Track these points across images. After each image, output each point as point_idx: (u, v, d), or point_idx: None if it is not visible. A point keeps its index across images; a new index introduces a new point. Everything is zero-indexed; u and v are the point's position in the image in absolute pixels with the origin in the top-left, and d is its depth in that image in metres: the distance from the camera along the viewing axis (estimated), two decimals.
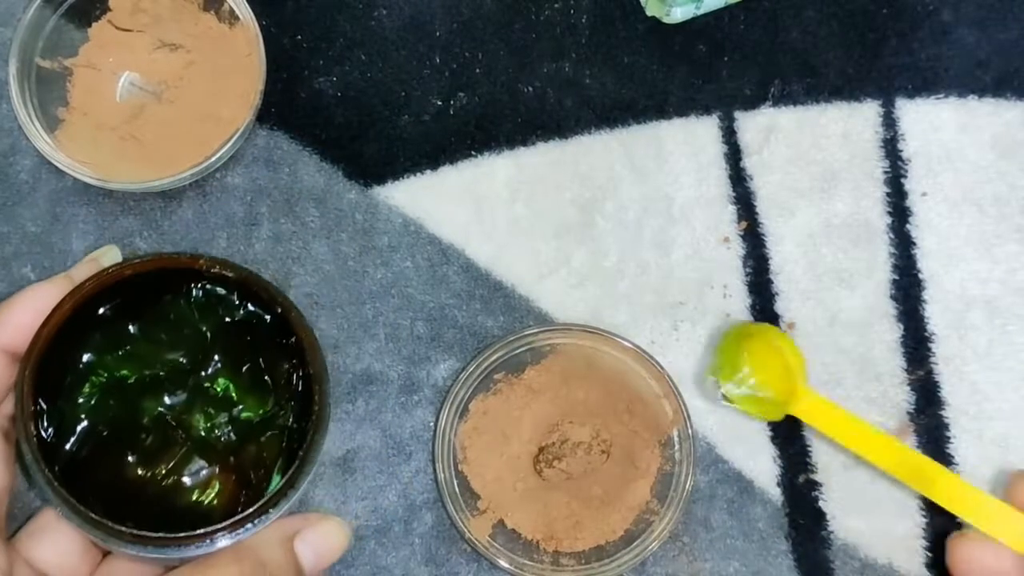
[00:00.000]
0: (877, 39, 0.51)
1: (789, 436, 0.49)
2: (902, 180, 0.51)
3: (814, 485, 0.48)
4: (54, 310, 0.40)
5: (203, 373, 0.42)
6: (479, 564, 0.47)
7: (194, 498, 0.41)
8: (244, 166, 0.49)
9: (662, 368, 0.47)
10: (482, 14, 0.51)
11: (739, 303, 0.50)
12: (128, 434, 0.41)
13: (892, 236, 0.50)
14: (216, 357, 0.42)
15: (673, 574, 0.47)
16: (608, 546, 0.46)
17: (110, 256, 0.46)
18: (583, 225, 0.50)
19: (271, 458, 0.42)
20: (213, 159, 0.47)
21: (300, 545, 0.42)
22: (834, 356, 0.49)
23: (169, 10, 0.49)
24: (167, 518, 0.40)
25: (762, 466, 0.48)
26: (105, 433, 0.41)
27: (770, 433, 0.49)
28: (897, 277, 0.50)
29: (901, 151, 0.51)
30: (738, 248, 0.50)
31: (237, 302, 0.43)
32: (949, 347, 0.49)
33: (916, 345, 0.49)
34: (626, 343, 0.47)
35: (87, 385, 0.41)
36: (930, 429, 0.49)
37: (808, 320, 0.49)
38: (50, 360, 0.40)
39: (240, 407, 0.42)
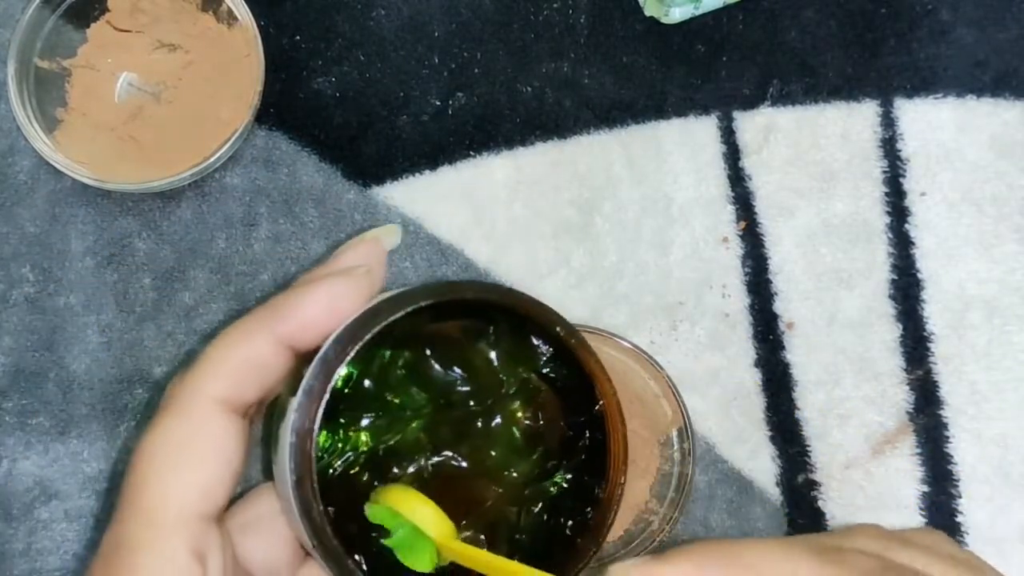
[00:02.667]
0: (876, 39, 0.51)
1: (789, 436, 0.49)
2: (901, 180, 0.51)
3: (813, 485, 0.48)
4: (359, 330, 0.33)
5: (485, 423, 0.37)
6: None
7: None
8: (243, 166, 0.49)
9: (661, 368, 0.47)
10: (480, 14, 0.51)
11: (738, 303, 0.50)
12: (386, 470, 0.36)
13: (891, 236, 0.50)
14: (507, 409, 0.37)
15: None
16: (608, 546, 0.46)
17: (391, 237, 0.39)
18: (582, 225, 0.50)
19: (527, 526, 0.36)
20: (212, 159, 0.47)
21: None
22: (833, 356, 0.49)
23: (168, 11, 0.49)
24: (391, 563, 0.35)
25: (761, 466, 0.49)
26: (363, 464, 0.36)
27: (770, 433, 0.49)
28: (896, 277, 0.50)
29: (900, 151, 0.51)
30: (737, 248, 0.50)
31: (549, 358, 0.37)
32: (948, 347, 0.49)
33: (915, 345, 0.49)
34: (625, 343, 0.47)
35: (363, 408, 0.36)
36: (929, 429, 0.49)
37: (807, 320, 0.49)
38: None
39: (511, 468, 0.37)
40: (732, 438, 0.49)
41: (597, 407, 0.36)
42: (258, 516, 0.36)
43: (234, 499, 0.36)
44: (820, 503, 0.48)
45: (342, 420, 0.36)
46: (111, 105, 0.49)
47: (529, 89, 0.51)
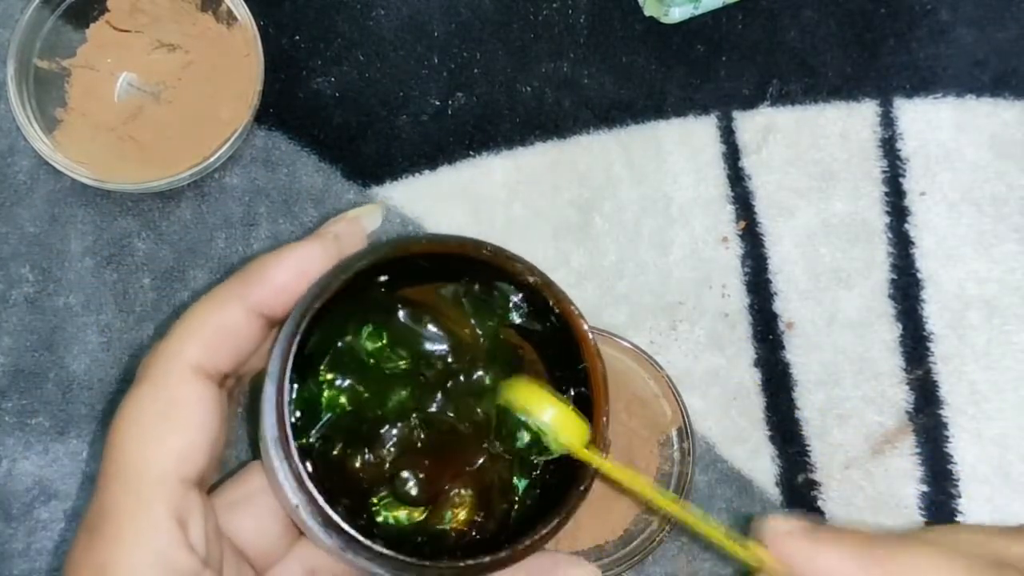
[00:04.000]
0: (875, 39, 0.51)
1: (789, 436, 0.49)
2: (900, 180, 0.51)
3: (813, 485, 0.48)
4: (328, 281, 0.33)
5: (464, 380, 0.37)
6: None
7: (429, 517, 0.36)
8: (242, 166, 0.49)
9: (660, 368, 0.47)
10: (480, 14, 0.51)
11: (737, 303, 0.50)
12: (370, 433, 0.36)
13: (890, 236, 0.50)
14: (486, 366, 0.37)
15: (672, 574, 0.47)
16: (607, 546, 0.46)
17: (372, 217, 0.39)
18: (582, 225, 0.50)
19: (522, 487, 0.36)
20: (211, 159, 0.47)
21: None
22: (833, 356, 0.49)
23: (167, 11, 0.49)
24: (392, 530, 0.35)
25: (761, 465, 0.48)
26: (346, 427, 0.35)
27: (769, 433, 0.49)
28: (896, 277, 0.50)
29: (899, 151, 0.51)
30: (737, 248, 0.50)
31: (521, 307, 0.37)
32: (947, 346, 0.49)
33: (915, 344, 0.49)
34: (625, 343, 0.47)
35: (340, 369, 0.36)
36: (928, 428, 0.49)
37: (807, 320, 0.49)
38: (307, 335, 0.34)
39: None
40: (732, 438, 0.49)
41: (581, 361, 0.36)
42: (248, 493, 0.36)
43: (223, 479, 0.36)
44: (820, 503, 0.48)
45: (323, 386, 0.36)
46: (111, 105, 0.49)
47: (529, 89, 0.51)
